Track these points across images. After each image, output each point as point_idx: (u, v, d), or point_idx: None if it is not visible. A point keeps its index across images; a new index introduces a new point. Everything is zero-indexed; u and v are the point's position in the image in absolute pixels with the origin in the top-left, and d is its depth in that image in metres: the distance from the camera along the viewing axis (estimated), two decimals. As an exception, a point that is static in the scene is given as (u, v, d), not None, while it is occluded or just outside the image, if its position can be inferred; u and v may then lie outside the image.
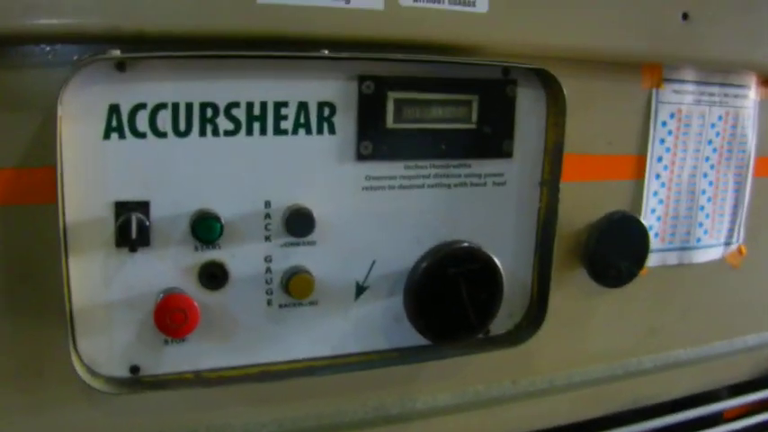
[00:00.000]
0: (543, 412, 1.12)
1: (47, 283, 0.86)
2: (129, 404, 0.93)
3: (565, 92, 0.96)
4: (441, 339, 0.97)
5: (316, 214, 0.91)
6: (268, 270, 0.92)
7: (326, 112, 0.91)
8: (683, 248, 1.20)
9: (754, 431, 1.33)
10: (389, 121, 0.93)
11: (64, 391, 0.90)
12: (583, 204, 1.08)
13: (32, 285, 0.87)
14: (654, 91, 1.12)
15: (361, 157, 0.93)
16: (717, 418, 1.30)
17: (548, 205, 1.01)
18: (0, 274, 0.86)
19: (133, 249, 0.86)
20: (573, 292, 1.11)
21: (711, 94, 1.17)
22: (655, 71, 1.11)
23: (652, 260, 1.16)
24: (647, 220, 1.14)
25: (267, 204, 0.91)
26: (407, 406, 1.06)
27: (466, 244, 0.96)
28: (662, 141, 1.14)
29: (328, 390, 1.01)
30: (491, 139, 0.98)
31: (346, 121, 0.92)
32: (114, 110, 0.84)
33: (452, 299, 0.95)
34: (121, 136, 0.84)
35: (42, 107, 0.82)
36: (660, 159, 1.14)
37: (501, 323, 1.02)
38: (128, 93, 0.84)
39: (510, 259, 1.01)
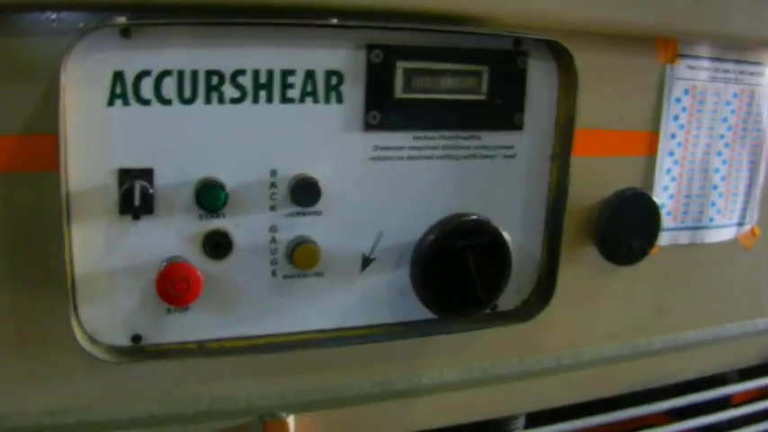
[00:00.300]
0: (550, 391, 1.10)
1: (49, 251, 0.84)
2: (131, 373, 0.92)
3: (577, 65, 0.94)
4: (447, 313, 0.95)
5: (322, 184, 0.89)
6: (273, 240, 0.91)
7: (334, 80, 0.89)
8: (695, 228, 1.18)
9: (761, 417, 1.32)
10: (398, 91, 0.91)
11: (65, 359, 0.89)
12: (594, 180, 1.05)
13: (35, 252, 0.86)
14: (668, 66, 1.09)
15: (368, 126, 0.91)
16: (725, 402, 1.28)
17: (558, 180, 0.99)
18: (3, 240, 0.85)
19: (136, 217, 0.85)
20: (583, 269, 1.09)
21: (727, 71, 1.15)
22: (669, 46, 1.09)
23: (663, 239, 1.14)
24: (659, 197, 1.11)
25: (273, 173, 0.89)
26: (413, 381, 1.04)
27: (474, 217, 0.94)
28: (675, 118, 1.11)
29: (333, 363, 1.00)
30: (501, 110, 0.96)
31: (354, 91, 0.90)
32: (118, 77, 0.82)
33: (460, 272, 0.93)
34: (125, 103, 0.83)
35: (46, 74, 0.80)
36: (674, 136, 1.12)
37: (509, 299, 1.01)
38: (132, 60, 0.83)
39: (519, 234, 1.00)
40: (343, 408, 1.00)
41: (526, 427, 1.12)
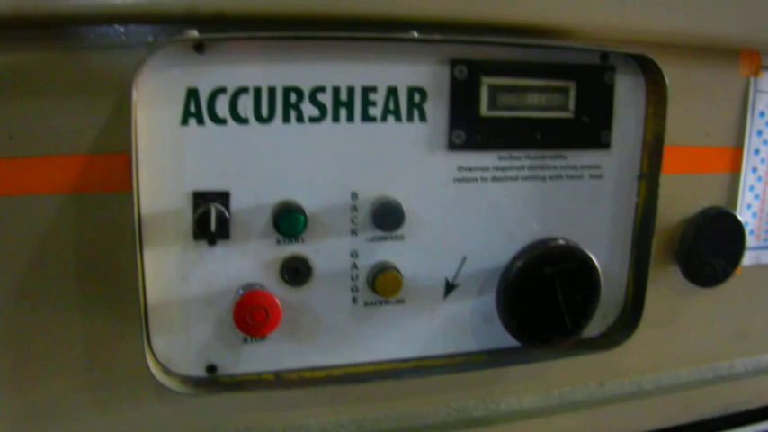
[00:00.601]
0: (630, 417, 1.05)
1: (120, 276, 0.80)
2: (203, 403, 0.88)
3: (666, 80, 0.88)
4: (533, 342, 0.89)
5: (405, 207, 0.84)
6: (354, 266, 0.85)
7: (417, 98, 0.84)
8: (779, 247, 1.12)
9: None
10: (483, 109, 0.86)
11: (136, 388, 0.85)
12: (677, 199, 1.00)
13: (105, 277, 0.81)
14: (752, 79, 1.03)
15: (452, 146, 0.86)
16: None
17: (646, 200, 0.93)
18: (72, 264, 0.81)
19: (212, 242, 0.80)
20: (664, 290, 1.03)
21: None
22: (753, 58, 1.02)
23: (747, 259, 1.08)
24: (742, 215, 1.05)
25: (354, 196, 0.84)
26: (491, 408, 0.98)
27: (562, 242, 0.89)
28: (759, 133, 1.05)
29: (409, 390, 0.94)
30: (588, 128, 0.90)
31: (438, 109, 0.85)
32: (192, 94, 0.78)
33: (547, 300, 0.88)
34: (200, 122, 0.78)
35: (116, 91, 0.76)
36: (757, 152, 1.06)
37: (593, 324, 0.94)
38: (207, 76, 0.78)
39: (605, 257, 0.94)
40: (417, 436, 0.95)
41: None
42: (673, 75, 0.91)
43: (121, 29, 0.77)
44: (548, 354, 0.93)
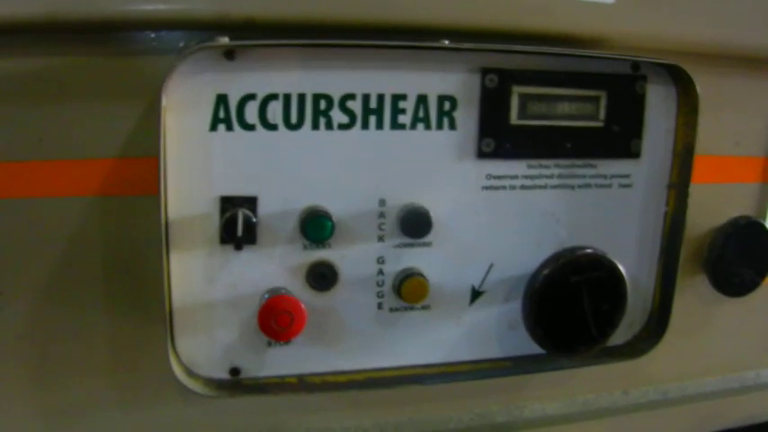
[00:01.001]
0: (655, 425, 1.02)
1: (146, 279, 0.79)
2: (227, 406, 0.87)
3: (698, 90, 0.86)
4: (559, 350, 0.87)
5: (432, 214, 0.82)
6: (380, 272, 0.84)
7: (447, 106, 0.82)
8: (807, 256, 1.09)
9: None
10: (513, 117, 0.84)
11: (160, 389, 0.84)
12: (706, 208, 0.97)
13: (131, 280, 0.80)
14: (783, 88, 1.00)
15: (482, 154, 0.84)
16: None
17: (675, 210, 0.90)
18: (99, 266, 0.80)
19: (239, 247, 0.78)
20: (692, 300, 1.01)
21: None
22: (785, 66, 1.00)
23: (775, 268, 1.05)
24: (772, 225, 1.03)
25: (382, 203, 0.82)
26: (514, 414, 0.96)
27: (590, 250, 0.86)
28: (790, 142, 1.03)
29: (432, 395, 0.93)
30: (619, 138, 0.88)
31: (468, 117, 0.83)
32: (222, 100, 0.76)
33: (573, 308, 0.86)
34: (229, 128, 0.77)
35: (146, 96, 0.75)
36: (787, 161, 1.03)
37: (620, 333, 0.92)
38: (236, 82, 0.76)
39: (633, 266, 0.91)
40: (442, 441, 0.93)
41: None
42: (704, 84, 0.88)
43: (152, 35, 0.76)
44: (573, 362, 0.91)
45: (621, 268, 0.86)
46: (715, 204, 0.98)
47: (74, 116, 0.75)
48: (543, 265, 0.86)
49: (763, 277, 1.00)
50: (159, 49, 0.76)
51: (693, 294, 1.00)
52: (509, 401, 0.96)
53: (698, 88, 0.86)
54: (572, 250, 0.86)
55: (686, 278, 0.98)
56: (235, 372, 0.83)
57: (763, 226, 0.99)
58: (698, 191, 0.93)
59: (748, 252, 0.99)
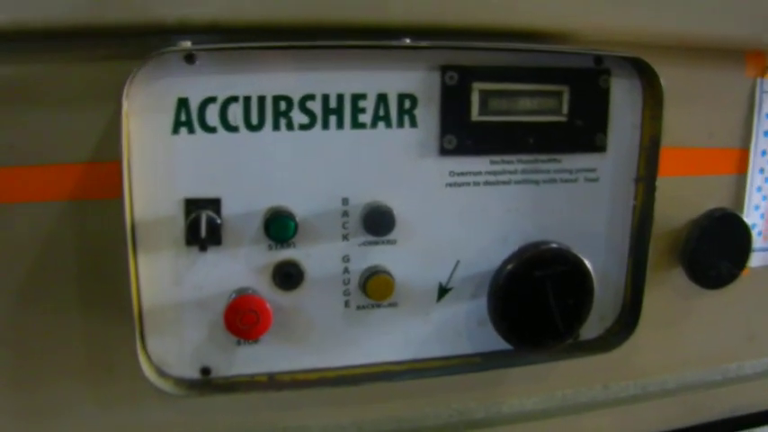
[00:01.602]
0: (636, 419, 0.99)
1: (118, 280, 0.77)
2: (201, 404, 0.85)
3: (662, 82, 0.84)
4: (525, 345, 0.85)
5: (396, 212, 0.80)
6: (345, 270, 0.82)
7: (407, 104, 0.80)
8: (787, 248, 1.06)
9: None
10: (474, 114, 0.82)
11: (133, 388, 0.82)
12: (681, 200, 0.94)
13: (104, 281, 0.79)
14: (758, 80, 0.97)
15: (444, 151, 0.82)
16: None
17: (643, 203, 0.88)
18: (72, 269, 0.79)
19: (203, 248, 0.77)
20: (669, 293, 0.98)
21: (820, 83, 1.03)
22: (759, 59, 0.97)
23: (754, 260, 1.02)
24: (750, 217, 1.00)
25: (345, 201, 0.80)
26: (493, 410, 0.94)
27: (554, 245, 0.84)
28: (767, 134, 1.00)
29: (410, 392, 0.90)
30: (583, 132, 0.85)
31: (428, 114, 0.81)
32: (183, 103, 0.75)
33: (539, 303, 0.83)
34: (191, 131, 0.76)
35: (113, 101, 0.73)
36: (765, 153, 1.00)
37: (591, 327, 0.90)
38: (197, 86, 0.75)
39: (602, 260, 0.89)
40: (420, 438, 0.91)
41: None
42: (676, 76, 0.86)
43: (116, 40, 0.75)
44: (543, 357, 0.88)
45: (587, 262, 0.84)
46: (690, 197, 0.95)
47: (44, 123, 0.74)
48: (507, 261, 0.84)
49: (740, 269, 0.97)
50: (125, 54, 0.75)
51: (671, 287, 0.97)
52: (487, 398, 0.93)
53: (662, 81, 0.83)
54: (536, 245, 0.84)
55: (663, 271, 0.96)
56: (205, 371, 0.81)
57: (738, 218, 0.96)
58: (672, 183, 0.91)
59: (724, 244, 0.96)
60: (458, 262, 0.85)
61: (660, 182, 0.87)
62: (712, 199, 0.97)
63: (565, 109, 0.84)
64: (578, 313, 0.85)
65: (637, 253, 0.89)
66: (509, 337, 0.84)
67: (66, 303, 0.79)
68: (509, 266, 0.83)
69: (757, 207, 1.01)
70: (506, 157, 0.84)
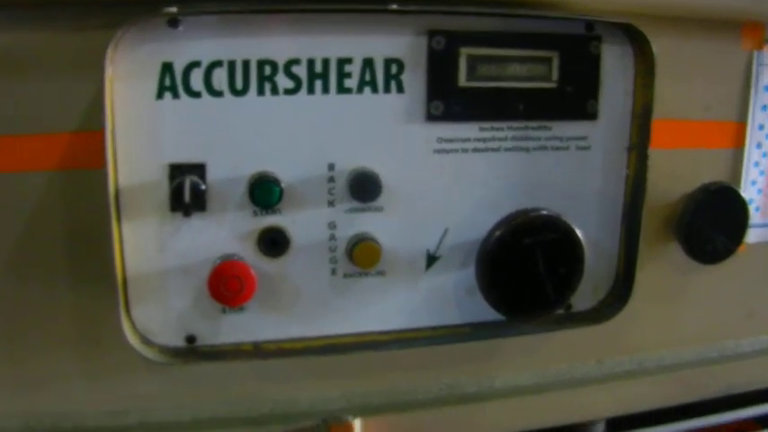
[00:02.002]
0: (631, 395, 0.96)
1: (105, 250, 0.75)
2: (191, 374, 0.83)
3: (654, 50, 0.81)
4: (515, 314, 0.82)
5: (383, 178, 0.78)
6: (332, 237, 0.80)
7: (394, 69, 0.78)
8: (786, 224, 1.03)
9: None
10: (462, 80, 0.79)
11: (122, 359, 0.79)
12: (677, 173, 0.91)
13: (92, 251, 0.77)
14: (755, 53, 0.95)
15: (431, 117, 0.79)
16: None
17: (636, 172, 0.85)
18: (61, 239, 0.77)
19: (187, 214, 0.75)
20: (665, 267, 0.95)
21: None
22: (756, 31, 0.94)
23: (752, 236, 0.99)
24: (746, 192, 0.97)
25: (331, 167, 0.78)
26: (485, 384, 0.91)
27: (544, 212, 0.81)
28: (764, 108, 0.97)
29: (400, 364, 0.87)
30: (574, 99, 0.83)
31: (415, 79, 0.78)
32: (167, 68, 0.73)
33: (528, 271, 0.80)
34: (175, 95, 0.74)
35: (97, 69, 0.71)
36: (762, 127, 0.97)
37: (584, 298, 0.87)
38: (181, 50, 0.73)
39: (594, 230, 0.86)
40: (411, 411, 0.88)
41: (608, 432, 0.98)
42: (669, 47, 0.84)
43: (97, 6, 0.73)
44: (534, 327, 0.86)
45: (578, 230, 0.81)
46: (686, 170, 0.92)
47: (31, 92, 0.73)
48: (495, 228, 0.81)
49: (737, 244, 0.94)
50: (111, 22, 0.73)
51: (667, 262, 0.94)
52: (479, 372, 0.91)
53: (654, 48, 0.81)
54: (526, 212, 0.81)
55: (658, 245, 0.93)
56: (191, 339, 0.79)
57: (735, 191, 0.93)
58: (667, 156, 0.89)
59: (721, 218, 0.93)
60: (446, 230, 0.82)
61: (655, 154, 0.84)
62: (708, 173, 0.94)
63: (555, 75, 0.82)
64: (569, 282, 0.82)
65: (630, 223, 0.86)
66: (498, 305, 0.81)
67: (55, 274, 0.77)
68: (497, 233, 0.80)
69: (754, 182, 0.98)
70: (495, 124, 0.81)
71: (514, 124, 0.82)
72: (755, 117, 0.96)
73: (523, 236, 0.80)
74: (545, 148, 0.83)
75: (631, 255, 0.86)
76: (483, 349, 0.89)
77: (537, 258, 0.80)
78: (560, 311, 0.86)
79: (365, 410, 0.87)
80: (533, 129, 0.82)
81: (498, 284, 0.81)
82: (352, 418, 0.85)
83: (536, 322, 0.85)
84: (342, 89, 0.77)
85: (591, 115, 0.84)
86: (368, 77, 0.77)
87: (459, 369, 0.90)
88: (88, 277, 0.78)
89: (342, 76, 0.77)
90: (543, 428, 0.94)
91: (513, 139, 0.82)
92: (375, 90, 0.78)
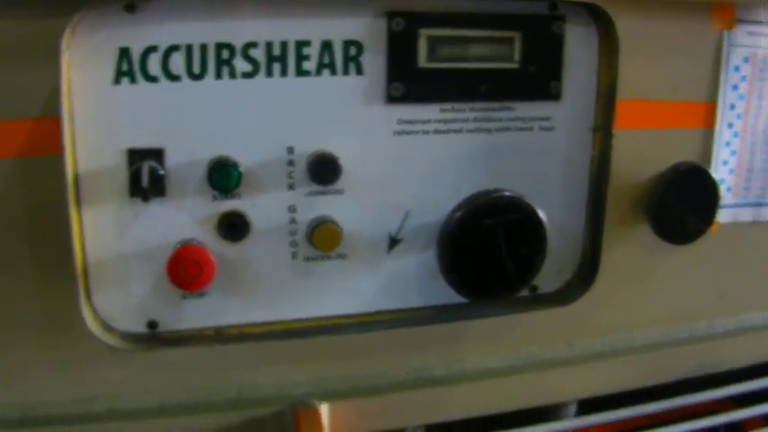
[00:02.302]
0: (602, 377, 0.94)
1: (65, 237, 0.74)
2: (154, 360, 0.81)
3: (618, 30, 0.80)
4: (477, 296, 0.81)
5: (343, 161, 0.77)
6: (292, 221, 0.78)
7: (353, 51, 0.76)
8: (758, 204, 1.01)
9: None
10: (422, 61, 0.78)
11: (86, 346, 0.78)
12: (647, 154, 0.90)
13: (52, 239, 0.75)
14: (725, 33, 0.93)
15: (391, 99, 0.78)
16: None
17: (601, 153, 0.84)
18: (24, 227, 0.75)
19: (146, 199, 0.73)
20: (635, 248, 0.93)
21: (791, 38, 0.98)
22: (726, 11, 0.92)
23: (723, 216, 0.97)
24: (718, 172, 0.95)
25: (290, 150, 0.77)
26: (454, 367, 0.89)
27: (506, 193, 0.80)
28: (735, 88, 0.95)
29: (367, 348, 0.85)
30: (537, 79, 0.82)
31: (375, 61, 0.77)
32: (124, 53, 0.72)
33: (489, 253, 0.79)
34: (133, 80, 0.73)
35: (51, 54, 0.70)
36: (733, 107, 0.95)
37: (550, 280, 0.86)
38: (138, 35, 0.72)
39: (559, 211, 0.85)
40: (379, 395, 0.86)
41: (579, 414, 0.97)
42: (637, 27, 0.83)
43: None
44: (499, 310, 0.85)
45: (540, 211, 0.80)
46: (655, 151, 0.90)
47: (-10, 79, 0.72)
48: (456, 209, 0.80)
49: (707, 224, 0.92)
50: (67, 7, 0.72)
51: (637, 243, 0.92)
52: (448, 355, 0.89)
53: (618, 29, 0.80)
54: (487, 193, 0.80)
55: (628, 226, 0.91)
56: (152, 325, 0.78)
57: (705, 171, 0.92)
58: (636, 137, 0.87)
59: (691, 198, 0.91)
60: (408, 212, 0.81)
61: (622, 135, 0.83)
62: (678, 154, 0.92)
63: (517, 56, 0.80)
64: (531, 263, 0.81)
65: (595, 204, 0.85)
66: (459, 287, 0.80)
67: (17, 263, 0.75)
68: (458, 214, 0.79)
69: (726, 162, 0.96)
70: (457, 105, 0.80)
71: (476, 105, 0.80)
72: (726, 97, 0.95)
73: (484, 217, 0.79)
74: (508, 129, 0.82)
75: (597, 236, 0.85)
76: (452, 332, 0.88)
77: (498, 240, 0.78)
78: (525, 293, 0.85)
79: (332, 395, 0.85)
80: (496, 110, 0.81)
81: (459, 266, 0.80)
82: (318, 403, 0.84)
83: (500, 304, 0.84)
84: (300, 72, 0.76)
85: (554, 96, 0.83)
86: (327, 60, 0.76)
87: (427, 352, 0.88)
88: (50, 265, 0.76)
89: (300, 58, 0.75)
90: (514, 411, 0.92)
91: (475, 120, 0.81)
92: (334, 72, 0.76)
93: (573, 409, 0.96)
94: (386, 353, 0.87)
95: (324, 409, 0.84)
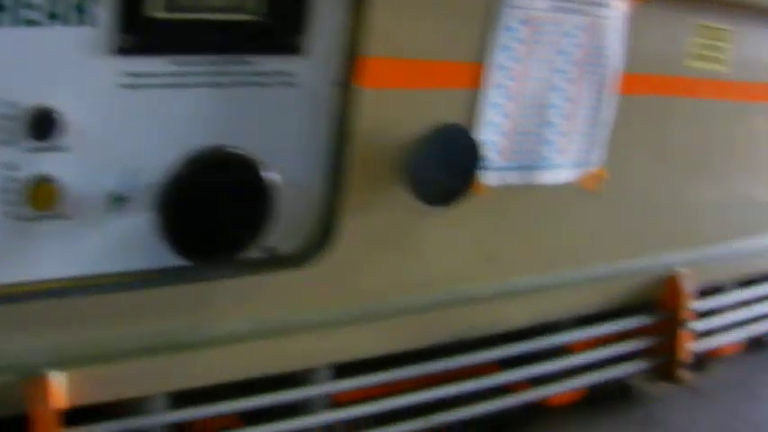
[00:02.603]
0: (356, 341, 0.92)
1: None
2: None
3: (367, -15, 0.77)
4: (196, 258, 0.77)
5: (66, 116, 0.71)
6: (8, 179, 0.72)
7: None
8: (528, 168, 1.00)
9: (602, 365, 1.17)
10: (152, 10, 0.73)
11: None
12: (404, 115, 0.88)
13: None
14: (501, -8, 0.91)
15: (119, 50, 0.73)
16: (560, 350, 1.12)
17: (345, 110, 0.81)
18: None
19: None
20: (395, 211, 0.91)
21: (570, 1, 0.98)
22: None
23: (491, 178, 0.96)
24: (485, 134, 0.94)
25: (9, 105, 0.70)
26: (197, 332, 0.86)
27: (228, 149, 0.77)
28: (507, 49, 0.94)
29: (104, 313, 0.81)
30: (278, 33, 0.78)
31: (102, 10, 0.71)
32: None
33: (207, 213, 0.76)
34: None
35: None
36: (504, 68, 0.94)
37: (287, 242, 0.84)
38: None
39: (299, 171, 0.82)
40: (119, 362, 0.82)
41: (336, 378, 0.95)
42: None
43: None
44: (232, 272, 0.82)
45: (263, 168, 0.77)
46: (415, 111, 0.89)
47: None
48: (173, 168, 0.76)
49: (466, 185, 0.91)
50: None
51: (397, 205, 0.90)
52: (192, 319, 0.85)
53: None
54: (207, 150, 0.76)
55: (386, 188, 0.89)
56: None
57: (464, 131, 0.90)
58: (392, 96, 0.85)
59: (449, 160, 0.89)
60: (135, 171, 0.76)
61: (375, 94, 0.81)
62: (442, 114, 0.90)
63: (258, 7, 0.77)
64: (254, 223, 0.78)
65: (336, 165, 0.82)
66: (177, 248, 0.76)
67: None
68: (175, 171, 0.75)
69: (494, 124, 0.95)
70: (191, 59, 0.76)
71: (212, 58, 0.76)
72: (495, 58, 0.93)
73: (203, 174, 0.75)
74: (244, 84, 0.78)
75: (338, 197, 0.82)
76: (194, 296, 0.84)
77: (216, 198, 0.75)
78: (261, 255, 0.82)
79: (68, 363, 0.80)
80: (232, 63, 0.77)
81: (175, 227, 0.76)
82: (50, 371, 0.79)
83: (228, 266, 0.81)
84: (20, 20, 0.70)
85: (297, 50, 0.79)
86: (51, 8, 0.70)
87: (169, 317, 0.84)
88: None
89: (20, 5, 0.69)
90: (265, 377, 0.90)
91: (210, 74, 0.76)
92: (55, 20, 0.71)
93: (329, 374, 0.94)
94: (125, 318, 0.83)
95: (57, 378, 0.79)
